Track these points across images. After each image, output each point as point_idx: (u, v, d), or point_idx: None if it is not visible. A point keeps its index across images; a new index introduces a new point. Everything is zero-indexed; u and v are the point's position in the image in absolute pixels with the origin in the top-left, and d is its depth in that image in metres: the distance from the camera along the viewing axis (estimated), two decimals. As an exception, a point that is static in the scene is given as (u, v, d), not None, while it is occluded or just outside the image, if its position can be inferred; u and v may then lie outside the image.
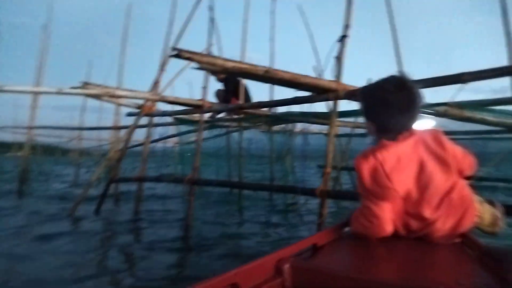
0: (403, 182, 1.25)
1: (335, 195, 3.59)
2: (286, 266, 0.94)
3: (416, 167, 1.28)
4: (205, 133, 6.96)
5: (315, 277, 0.92)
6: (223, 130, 7.31)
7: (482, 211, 1.35)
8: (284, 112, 4.87)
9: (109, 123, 8.38)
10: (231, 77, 6.46)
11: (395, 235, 1.31)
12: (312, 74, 3.88)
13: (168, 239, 3.83)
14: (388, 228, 1.28)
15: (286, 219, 5.03)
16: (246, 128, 6.87)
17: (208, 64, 2.57)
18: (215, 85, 7.07)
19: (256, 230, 4.37)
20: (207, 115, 5.72)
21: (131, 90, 4.68)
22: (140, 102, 5.30)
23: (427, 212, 1.26)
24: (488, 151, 5.66)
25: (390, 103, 1.28)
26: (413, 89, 1.31)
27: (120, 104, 6.21)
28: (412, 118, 1.32)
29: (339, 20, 3.33)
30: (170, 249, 3.44)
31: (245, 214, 5.40)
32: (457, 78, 2.63)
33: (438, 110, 4.01)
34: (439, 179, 1.27)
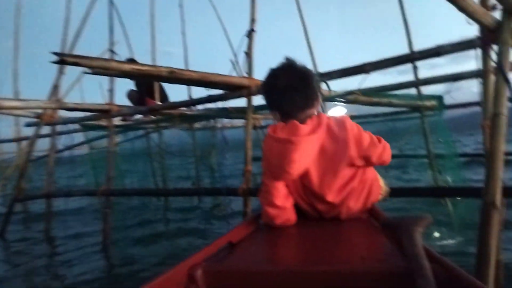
0: (299, 163, 1.26)
1: (257, 192, 3.53)
2: (198, 272, 0.89)
3: (317, 151, 1.29)
4: (120, 137, 6.53)
5: (229, 278, 0.89)
6: (141, 132, 6.91)
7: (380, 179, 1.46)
8: (202, 111, 4.67)
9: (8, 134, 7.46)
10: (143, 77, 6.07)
11: (308, 217, 1.37)
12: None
13: (87, 270, 3.25)
14: (280, 207, 1.30)
15: (213, 220, 4.89)
16: (165, 128, 6.56)
17: (101, 68, 2.30)
18: (127, 85, 6.62)
19: (185, 237, 4.16)
20: (118, 119, 5.30)
21: (22, 100, 4.13)
22: (39, 110, 4.73)
23: (330, 197, 1.31)
24: (396, 131, 6.04)
25: (280, 87, 1.31)
26: (301, 70, 1.33)
27: (15, 115, 5.50)
28: (306, 99, 1.32)
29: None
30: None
31: (172, 220, 5.13)
32: (360, 69, 2.69)
33: (348, 98, 4.15)
34: (340, 164, 1.30)
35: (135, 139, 6.83)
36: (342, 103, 4.37)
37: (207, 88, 3.26)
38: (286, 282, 0.86)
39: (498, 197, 1.86)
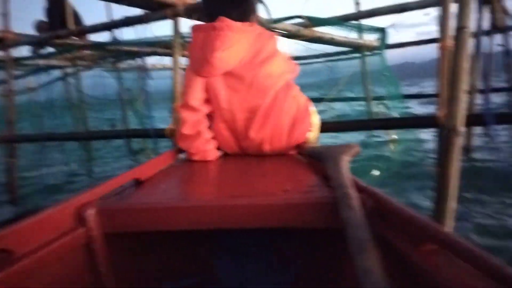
0: (222, 53, 1.21)
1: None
2: (90, 212, 0.79)
3: (245, 51, 1.25)
4: (32, 80, 5.62)
5: (131, 218, 0.79)
6: (57, 74, 6.00)
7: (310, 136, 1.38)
8: (112, 41, 3.92)
9: None
10: (56, 5, 5.12)
11: (233, 153, 1.33)
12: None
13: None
14: (195, 108, 1.25)
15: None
16: (85, 67, 5.73)
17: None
18: (35, 14, 5.58)
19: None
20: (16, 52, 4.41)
21: None
22: None
23: (252, 132, 1.26)
24: (336, 77, 5.87)
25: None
26: None
27: None
28: (242, 14, 1.29)
29: None
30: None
31: (96, 166, 4.58)
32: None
33: (291, 30, 3.76)
34: (268, 67, 1.26)
35: (50, 83, 5.92)
36: (283, 37, 4.00)
37: (119, 3, 2.65)
38: (201, 218, 0.78)
39: (460, 122, 1.64)
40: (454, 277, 0.49)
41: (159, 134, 3.10)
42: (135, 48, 4.46)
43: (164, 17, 2.81)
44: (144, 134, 3.85)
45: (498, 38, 4.69)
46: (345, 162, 0.90)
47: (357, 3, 5.17)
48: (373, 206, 0.70)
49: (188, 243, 1.10)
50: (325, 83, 6.14)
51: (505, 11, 4.48)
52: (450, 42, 1.89)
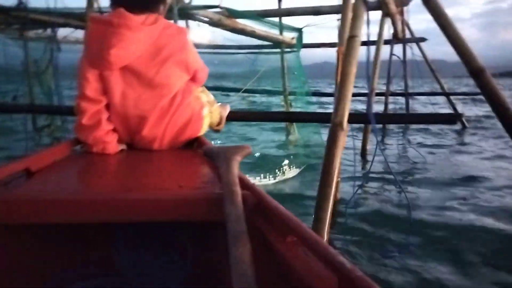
0: (120, 51, 1.18)
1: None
2: None
3: (145, 47, 1.22)
4: None
5: (19, 209, 0.76)
6: None
7: (213, 112, 1.49)
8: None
9: None
10: None
11: (129, 147, 1.31)
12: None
13: None
14: (92, 99, 1.21)
15: (42, 144, 4.14)
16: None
17: None
18: None
19: None
20: None
21: None
22: None
23: (144, 131, 1.26)
24: (257, 69, 6.07)
25: None
26: None
27: None
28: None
29: None
30: None
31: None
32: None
33: (212, 18, 3.82)
34: (168, 70, 1.25)
35: None
36: (204, 23, 4.04)
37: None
38: (95, 212, 0.78)
39: (345, 118, 1.88)
40: (305, 265, 0.59)
41: (67, 111, 2.96)
42: (45, 17, 4.13)
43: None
44: (51, 110, 3.63)
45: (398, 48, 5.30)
46: (236, 162, 0.98)
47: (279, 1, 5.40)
48: (254, 202, 0.79)
49: (87, 236, 1.10)
50: (245, 73, 6.30)
51: (405, 24, 5.05)
52: (344, 48, 2.13)
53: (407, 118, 2.45)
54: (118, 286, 1.07)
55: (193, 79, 1.37)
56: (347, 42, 1.97)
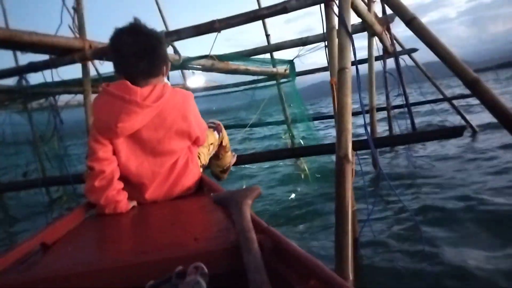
0: (129, 124, 1.23)
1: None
2: None
3: (150, 119, 1.27)
4: None
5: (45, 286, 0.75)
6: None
7: (226, 157, 1.61)
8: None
9: None
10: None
11: (139, 203, 1.32)
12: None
13: None
14: (105, 158, 1.25)
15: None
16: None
17: None
18: None
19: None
20: None
21: None
22: None
23: (147, 195, 1.31)
24: (256, 100, 6.14)
25: (124, 51, 1.26)
26: (148, 34, 1.29)
27: None
28: (152, 66, 1.29)
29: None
30: None
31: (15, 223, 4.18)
32: (210, 26, 2.45)
33: (205, 64, 3.92)
34: (171, 140, 1.31)
35: None
36: (199, 71, 4.14)
37: (23, 52, 2.57)
38: (114, 279, 0.78)
39: (349, 150, 1.88)
40: None
41: (77, 179, 2.99)
42: (45, 89, 4.27)
43: (73, 61, 2.78)
44: (62, 181, 3.67)
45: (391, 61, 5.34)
46: (247, 206, 0.98)
47: (267, 35, 5.53)
48: (271, 246, 0.78)
49: None
50: (246, 106, 6.39)
51: (393, 39, 5.11)
52: (336, 79, 2.15)
53: (410, 137, 2.42)
54: None
55: (195, 142, 1.41)
56: (338, 74, 2.00)
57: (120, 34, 1.27)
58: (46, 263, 0.87)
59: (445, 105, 7.78)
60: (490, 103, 1.82)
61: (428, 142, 5.49)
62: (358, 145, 2.04)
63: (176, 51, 2.91)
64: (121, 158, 1.27)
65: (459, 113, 6.11)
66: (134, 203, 1.30)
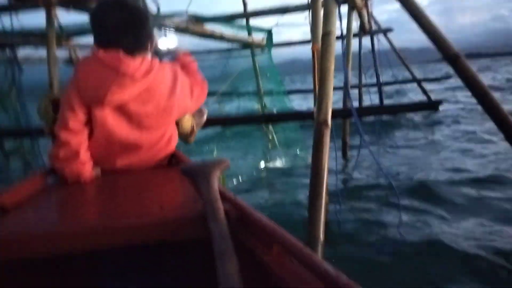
0: (117, 97, 1.19)
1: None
2: None
3: (138, 94, 1.23)
4: None
5: (3, 246, 0.75)
6: None
7: (184, 122, 1.48)
8: None
9: None
10: None
11: (104, 172, 1.30)
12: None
13: None
14: (74, 131, 1.21)
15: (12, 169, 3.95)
16: None
17: None
18: None
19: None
20: None
21: None
22: None
23: (119, 162, 1.29)
24: (230, 71, 6.02)
25: (108, 25, 1.21)
26: (133, 8, 1.24)
27: None
28: (137, 42, 1.24)
29: None
30: None
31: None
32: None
33: (179, 25, 3.75)
34: (155, 122, 1.29)
35: None
36: (172, 30, 3.96)
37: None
38: (77, 243, 0.77)
39: (329, 116, 1.86)
40: (292, 274, 0.60)
41: (37, 132, 2.83)
42: (2, 37, 3.94)
43: (35, 6, 2.56)
44: (20, 132, 3.46)
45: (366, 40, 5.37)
46: (215, 177, 0.98)
47: (245, 3, 5.37)
48: (237, 216, 0.79)
49: (72, 267, 1.08)
50: (217, 78, 6.25)
51: (370, 16, 5.12)
52: (319, 45, 2.11)
53: (390, 109, 2.45)
54: None
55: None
56: (322, 39, 1.95)
57: (104, 7, 1.23)
58: (5, 225, 0.84)
59: (414, 87, 7.98)
60: (470, 80, 1.85)
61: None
62: (339, 114, 2.02)
63: (157, 8, 2.74)
64: (104, 127, 1.23)
65: (426, 95, 6.31)
66: (98, 171, 1.28)
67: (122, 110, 1.24)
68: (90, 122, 1.24)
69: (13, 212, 0.93)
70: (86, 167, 1.23)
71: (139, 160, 1.32)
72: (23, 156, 4.19)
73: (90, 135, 1.26)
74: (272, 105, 4.89)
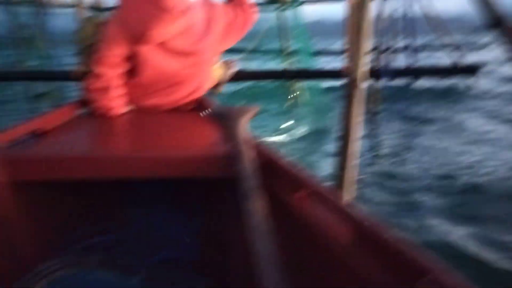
0: (163, 34, 1.19)
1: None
2: None
3: (186, 27, 1.24)
4: None
5: (36, 167, 0.78)
6: None
7: (215, 70, 1.49)
8: None
9: None
10: None
11: (139, 110, 1.32)
12: None
13: None
14: (111, 66, 1.22)
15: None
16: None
17: None
18: None
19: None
20: None
21: None
22: None
23: (164, 99, 1.31)
24: (254, 27, 5.84)
25: None
26: None
27: None
28: None
29: None
30: None
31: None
32: None
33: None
34: (197, 58, 1.30)
35: None
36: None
37: None
38: (106, 169, 0.80)
39: (362, 75, 1.83)
40: (318, 217, 0.61)
41: (66, 76, 2.87)
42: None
43: None
44: (48, 76, 3.52)
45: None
46: (244, 122, 1.00)
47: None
48: (263, 160, 0.80)
49: (98, 193, 1.11)
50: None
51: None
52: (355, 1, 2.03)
53: (423, 71, 2.37)
54: (132, 241, 1.11)
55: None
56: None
57: None
58: (39, 147, 0.88)
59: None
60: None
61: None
62: (372, 74, 1.99)
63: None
64: (146, 63, 1.25)
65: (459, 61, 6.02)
66: (129, 108, 1.31)
67: (164, 47, 1.25)
68: (129, 60, 1.25)
69: (47, 136, 0.97)
70: (117, 102, 1.26)
71: (175, 99, 1.34)
72: (52, 100, 4.27)
73: (130, 72, 1.27)
74: (298, 65, 4.79)
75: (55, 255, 0.89)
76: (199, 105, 1.41)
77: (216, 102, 1.42)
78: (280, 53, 5.92)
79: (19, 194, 0.82)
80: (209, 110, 1.29)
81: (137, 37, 1.19)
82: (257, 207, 0.64)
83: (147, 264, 0.97)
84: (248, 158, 0.77)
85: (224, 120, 1.05)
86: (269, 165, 0.78)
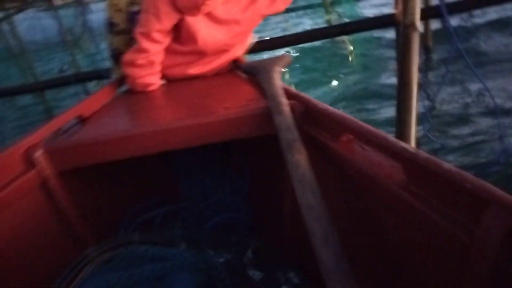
0: (214, 2, 1.16)
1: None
2: (38, 153, 0.78)
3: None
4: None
5: (82, 154, 0.81)
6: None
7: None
8: None
9: None
10: None
11: (172, 79, 1.33)
12: None
13: None
14: (158, 41, 1.19)
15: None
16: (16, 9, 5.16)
17: None
18: None
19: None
20: None
21: None
22: None
23: (206, 67, 1.32)
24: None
25: None
26: None
27: None
28: None
29: None
30: None
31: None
32: None
33: None
34: (241, 27, 1.27)
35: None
36: None
37: None
38: (148, 143, 0.81)
39: (418, 17, 1.64)
40: (364, 158, 0.58)
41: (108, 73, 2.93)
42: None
43: None
44: (97, 75, 3.63)
45: None
46: (277, 73, 0.95)
47: None
48: (302, 109, 0.78)
49: (145, 169, 1.15)
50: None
51: None
52: None
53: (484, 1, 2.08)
54: (186, 210, 1.14)
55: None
56: None
57: None
58: (85, 131, 0.91)
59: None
60: None
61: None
62: (428, 13, 1.78)
63: None
64: (196, 33, 1.22)
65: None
66: (164, 81, 1.33)
67: (211, 16, 1.21)
68: (173, 30, 1.22)
69: (90, 120, 1.00)
70: (157, 77, 1.28)
71: (215, 66, 1.34)
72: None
73: (174, 41, 1.25)
74: (343, 17, 4.49)
75: (112, 233, 0.93)
76: (231, 65, 1.42)
77: (245, 59, 1.43)
78: (321, 6, 5.61)
79: (70, 181, 0.86)
80: (242, 66, 1.27)
81: (188, 7, 1.14)
82: (300, 159, 0.61)
83: (202, 231, 0.99)
84: (285, 109, 0.75)
85: (257, 72, 1.03)
86: (308, 112, 0.76)
